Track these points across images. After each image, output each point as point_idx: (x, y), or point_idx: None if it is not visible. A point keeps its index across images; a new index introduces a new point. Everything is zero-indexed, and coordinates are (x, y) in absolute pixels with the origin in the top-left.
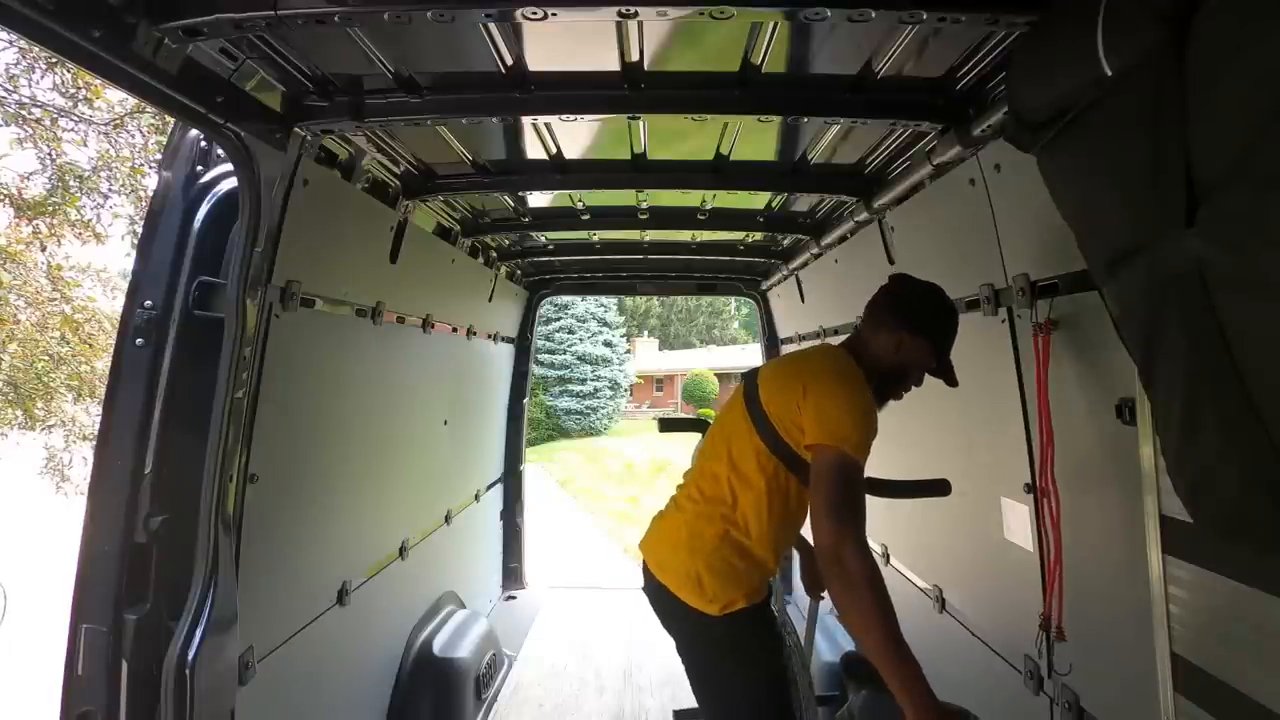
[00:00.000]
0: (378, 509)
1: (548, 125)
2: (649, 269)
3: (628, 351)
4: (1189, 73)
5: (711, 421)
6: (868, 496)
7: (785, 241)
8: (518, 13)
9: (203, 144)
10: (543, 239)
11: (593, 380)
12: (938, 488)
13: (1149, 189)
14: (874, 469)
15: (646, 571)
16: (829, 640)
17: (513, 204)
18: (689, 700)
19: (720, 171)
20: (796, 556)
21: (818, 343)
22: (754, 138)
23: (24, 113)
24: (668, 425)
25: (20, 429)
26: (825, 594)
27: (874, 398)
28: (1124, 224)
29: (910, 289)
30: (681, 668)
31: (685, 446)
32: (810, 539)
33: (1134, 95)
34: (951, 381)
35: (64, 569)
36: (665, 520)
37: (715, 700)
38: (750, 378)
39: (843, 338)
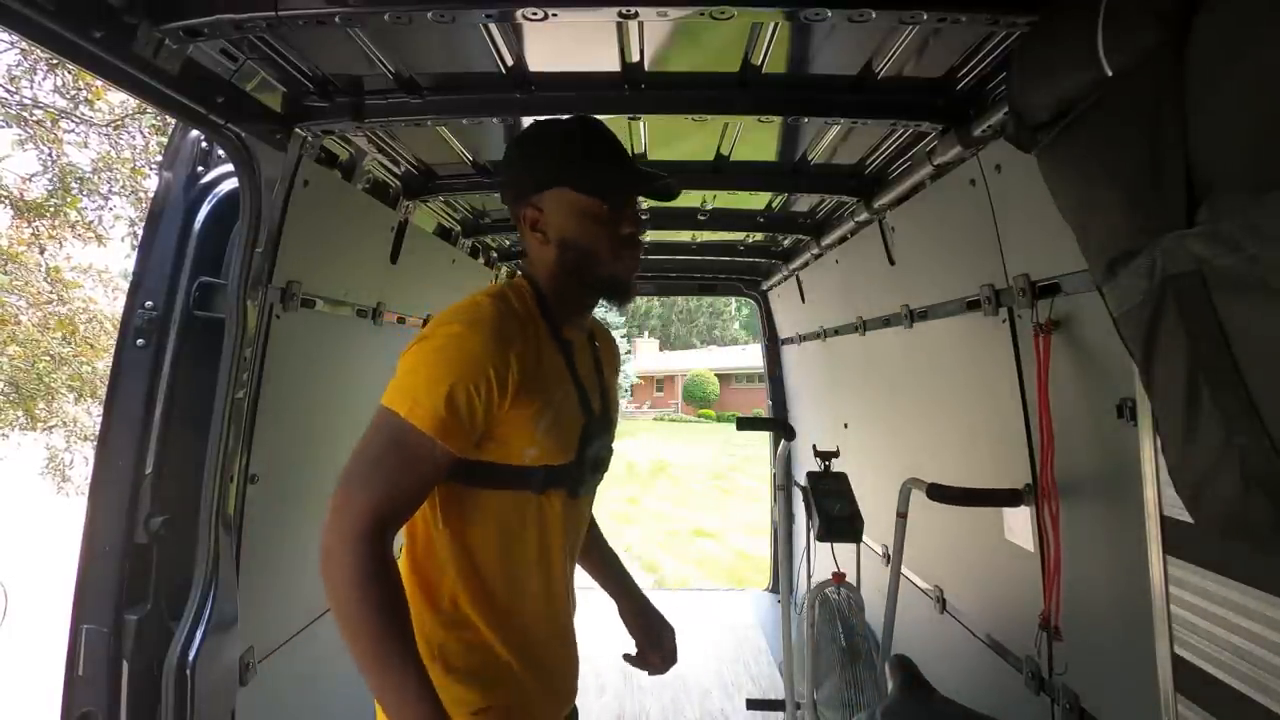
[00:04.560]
0: None
1: None
2: (649, 269)
3: (628, 352)
4: (1189, 73)
5: (784, 423)
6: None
7: (786, 242)
8: (518, 13)
9: (203, 145)
10: None
11: None
12: (1008, 498)
13: (1149, 189)
14: (873, 469)
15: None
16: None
17: None
18: (689, 700)
19: (720, 172)
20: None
21: (818, 343)
22: (754, 138)
23: (25, 114)
24: (746, 424)
25: (21, 429)
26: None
27: (580, 298)
28: (1124, 224)
29: (508, 151)
30: (682, 668)
31: (685, 447)
32: None
33: (1134, 95)
34: (661, 192)
35: (64, 569)
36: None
37: None
38: None
39: (844, 338)
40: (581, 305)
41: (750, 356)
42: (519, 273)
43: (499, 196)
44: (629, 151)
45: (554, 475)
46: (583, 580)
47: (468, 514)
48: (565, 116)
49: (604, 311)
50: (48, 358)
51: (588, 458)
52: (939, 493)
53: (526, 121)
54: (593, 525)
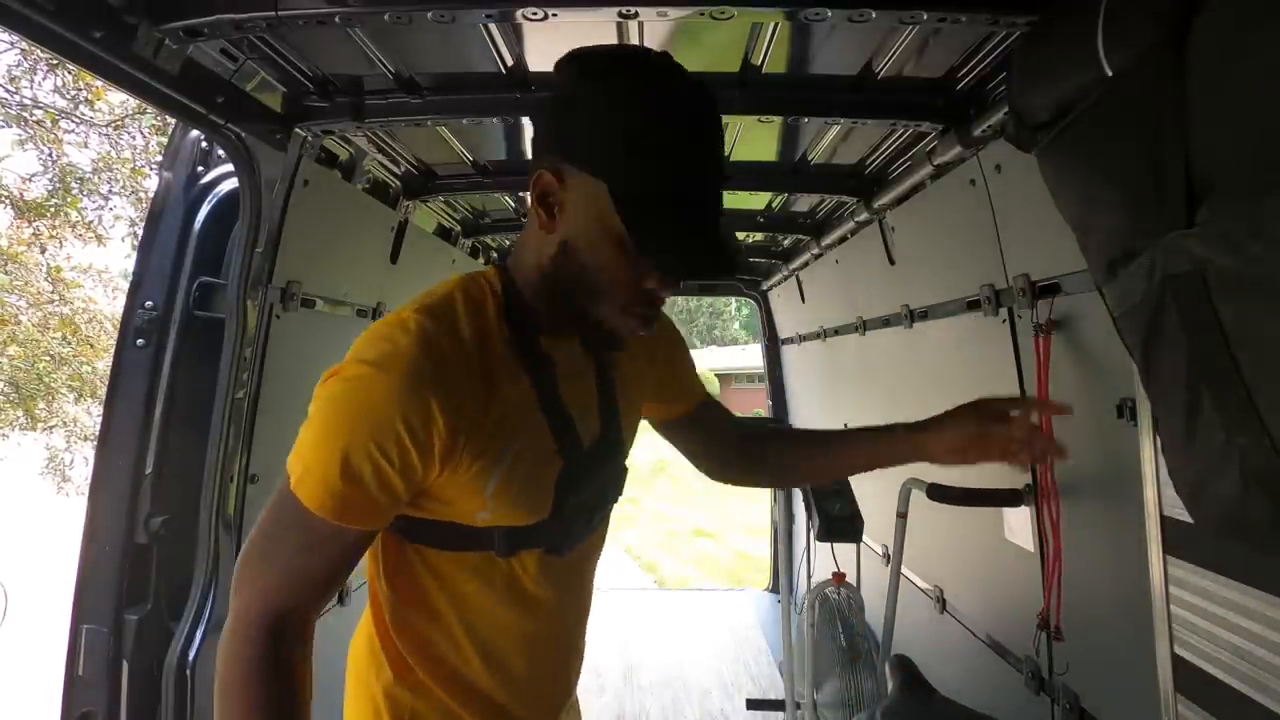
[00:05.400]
0: None
1: None
2: None
3: None
4: (1190, 73)
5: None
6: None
7: (785, 242)
8: (518, 13)
9: (203, 145)
10: None
11: None
12: (1008, 498)
13: (1149, 189)
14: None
15: None
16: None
17: (513, 204)
18: (689, 700)
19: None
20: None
21: (818, 343)
22: (754, 138)
23: (25, 114)
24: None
25: (21, 429)
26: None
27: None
28: (1124, 224)
29: (568, 72)
30: (682, 668)
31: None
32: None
33: (1134, 95)
34: (694, 269)
35: (64, 569)
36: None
37: None
38: None
39: (844, 337)
40: (562, 325)
41: (750, 356)
42: (494, 263)
43: (500, 191)
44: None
45: (520, 536)
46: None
47: (417, 575)
48: (676, 75)
49: None
50: (48, 358)
51: (569, 509)
52: (939, 493)
53: (526, 122)
54: (764, 435)
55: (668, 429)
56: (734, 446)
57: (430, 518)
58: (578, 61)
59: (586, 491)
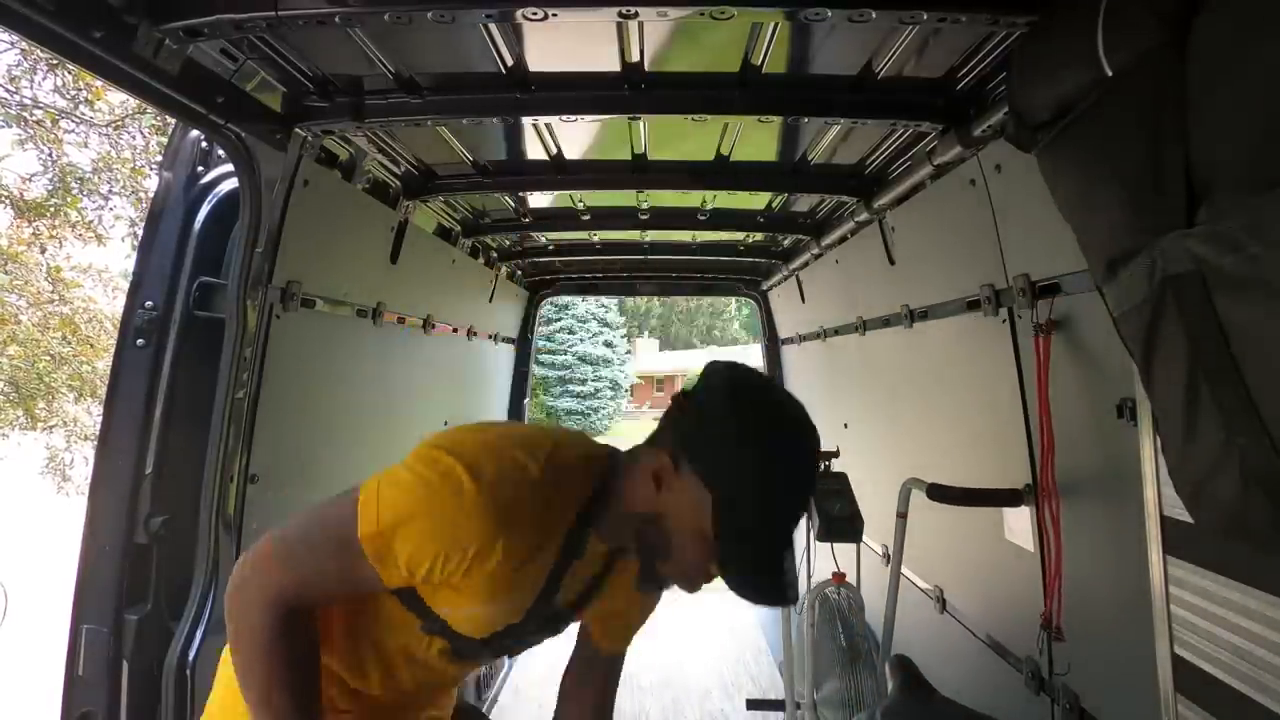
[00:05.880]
0: None
1: (548, 126)
2: (649, 269)
3: (628, 352)
4: (1189, 73)
5: None
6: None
7: (786, 242)
8: (518, 13)
9: (203, 145)
10: (543, 239)
11: (593, 381)
12: (1008, 498)
13: (1149, 189)
14: (873, 470)
15: None
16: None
17: (513, 204)
18: (689, 700)
19: (721, 172)
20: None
21: (818, 343)
22: (754, 138)
23: (25, 114)
24: None
25: (21, 429)
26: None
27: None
28: (1124, 224)
29: (712, 386)
30: (682, 668)
31: None
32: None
33: (1134, 95)
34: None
35: (64, 569)
36: None
37: None
38: None
39: (844, 338)
40: (630, 549)
41: (750, 356)
42: (610, 452)
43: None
44: (630, 152)
45: (447, 632)
46: None
47: (355, 602)
48: (802, 426)
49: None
50: (48, 357)
51: (492, 643)
52: (939, 493)
53: (526, 122)
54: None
55: (583, 635)
56: (574, 693)
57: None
58: (726, 379)
59: (510, 643)
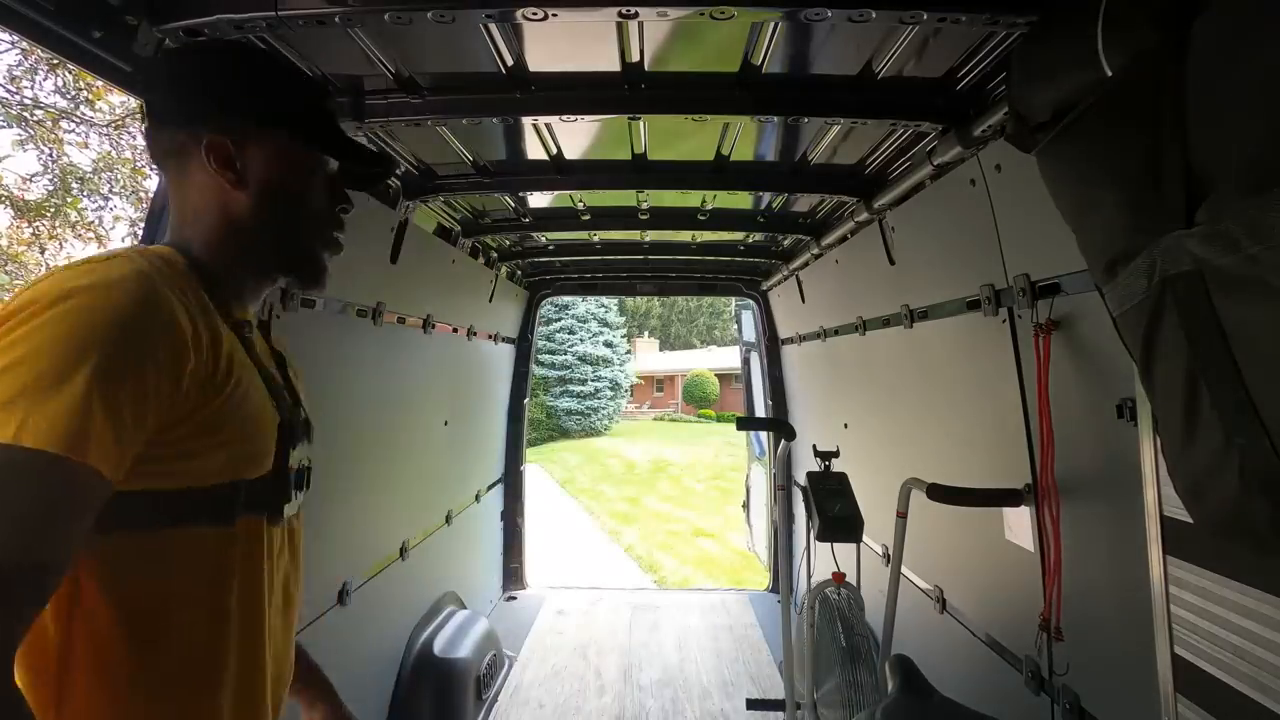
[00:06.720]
0: (378, 509)
1: (548, 126)
2: (649, 269)
3: (628, 352)
4: (1189, 73)
5: (784, 423)
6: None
7: (785, 242)
8: (518, 13)
9: None
10: (543, 239)
11: (593, 381)
12: (1008, 498)
13: (1148, 189)
14: (873, 469)
15: None
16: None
17: (513, 204)
18: (689, 700)
19: (721, 172)
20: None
21: (818, 343)
22: (754, 138)
23: (26, 114)
24: (746, 424)
25: None
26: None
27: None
28: (1123, 224)
29: (169, 64)
30: (682, 668)
31: (685, 447)
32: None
33: (1134, 95)
34: (371, 176)
35: None
36: None
37: None
38: None
39: (844, 338)
40: (259, 281)
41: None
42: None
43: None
44: (630, 152)
45: (250, 492)
46: (588, 580)
47: (83, 588)
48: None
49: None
50: None
51: (289, 467)
52: (939, 493)
53: (526, 121)
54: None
55: None
56: None
57: (151, 488)
58: (182, 49)
59: (300, 455)
